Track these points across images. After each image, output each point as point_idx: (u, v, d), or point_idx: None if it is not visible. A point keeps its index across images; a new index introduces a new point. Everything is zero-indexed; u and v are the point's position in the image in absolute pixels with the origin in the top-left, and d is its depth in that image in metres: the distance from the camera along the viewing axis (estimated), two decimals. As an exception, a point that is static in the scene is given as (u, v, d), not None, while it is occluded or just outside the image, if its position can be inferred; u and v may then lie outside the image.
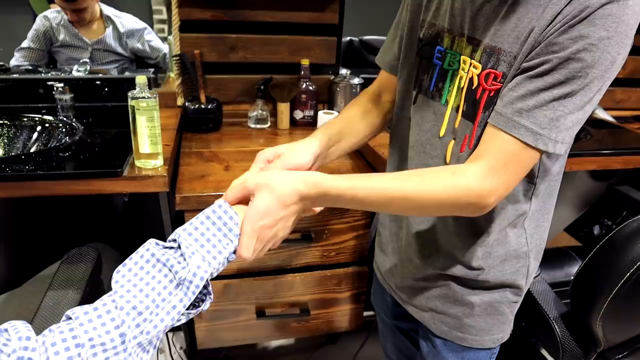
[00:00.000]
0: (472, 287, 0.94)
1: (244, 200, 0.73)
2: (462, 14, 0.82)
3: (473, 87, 0.80)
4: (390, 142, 1.06)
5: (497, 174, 0.73)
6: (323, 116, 1.64)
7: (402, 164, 1.01)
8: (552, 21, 0.69)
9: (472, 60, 0.80)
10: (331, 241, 1.40)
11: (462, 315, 0.96)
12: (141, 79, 1.14)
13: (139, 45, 1.96)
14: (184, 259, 0.64)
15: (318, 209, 0.83)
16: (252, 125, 1.68)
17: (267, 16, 1.67)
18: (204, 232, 0.67)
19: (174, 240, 0.67)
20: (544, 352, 1.15)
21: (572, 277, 1.63)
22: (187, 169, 1.35)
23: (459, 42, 0.83)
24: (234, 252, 0.70)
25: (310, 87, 1.70)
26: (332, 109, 1.76)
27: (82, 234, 1.47)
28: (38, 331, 0.56)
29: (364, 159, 1.47)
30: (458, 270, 0.92)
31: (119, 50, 1.96)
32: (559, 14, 0.68)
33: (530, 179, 0.84)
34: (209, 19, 1.63)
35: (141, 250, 0.65)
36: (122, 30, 1.94)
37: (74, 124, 1.43)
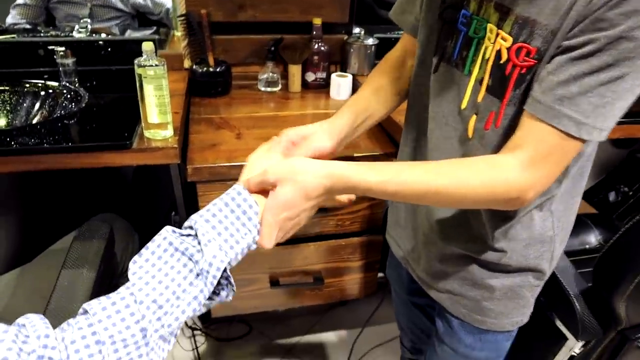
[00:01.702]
0: (493, 270, 0.90)
1: (264, 191, 0.70)
2: None
3: (501, 62, 0.72)
4: (407, 112, 1.00)
5: (537, 166, 0.68)
6: (336, 79, 1.57)
7: (420, 135, 0.95)
8: None
9: (500, 31, 0.72)
10: (345, 210, 1.37)
11: (481, 298, 0.92)
12: (148, 45, 1.08)
13: (140, 0, 1.88)
14: (201, 249, 0.61)
15: (345, 198, 0.80)
16: (263, 89, 1.62)
17: (277, -28, 1.57)
18: (221, 220, 0.64)
19: (191, 228, 0.64)
20: (562, 327, 1.14)
21: (586, 246, 1.63)
22: (197, 137, 1.30)
23: (487, 8, 0.74)
24: (254, 241, 0.67)
25: (323, 48, 1.62)
26: (346, 71, 1.68)
27: (91, 205, 1.45)
28: (54, 316, 0.54)
29: (379, 125, 1.42)
30: (479, 252, 0.88)
31: (119, 5, 1.87)
32: None
33: None
34: (216, -25, 1.53)
35: (158, 238, 0.62)
36: (121, -16, 1.85)
37: (78, 90, 1.37)
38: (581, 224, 1.65)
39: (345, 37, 1.71)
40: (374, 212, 1.40)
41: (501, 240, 0.85)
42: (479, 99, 0.77)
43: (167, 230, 0.62)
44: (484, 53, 0.75)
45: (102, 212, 1.37)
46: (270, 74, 1.60)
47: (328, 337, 1.94)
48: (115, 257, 1.16)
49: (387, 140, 1.34)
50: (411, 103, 0.98)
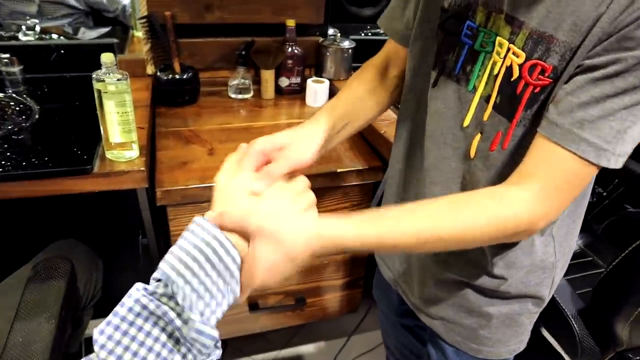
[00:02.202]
0: (490, 296, 0.84)
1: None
2: None
3: (512, 79, 0.66)
4: (398, 126, 0.93)
5: (551, 197, 0.62)
6: (312, 85, 1.48)
7: (413, 152, 0.88)
8: (627, 7, 0.54)
9: (512, 46, 0.65)
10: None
11: (477, 326, 0.87)
12: (107, 57, 0.96)
13: (92, -5, 1.74)
14: (182, 313, 0.51)
15: None
16: (233, 96, 1.51)
17: (246, -31, 1.46)
18: (203, 281, 0.53)
19: (164, 284, 0.52)
20: (558, 348, 1.10)
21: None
22: (166, 154, 1.18)
23: (496, 20, 0.67)
24: (234, 300, 0.58)
25: (297, 51, 1.52)
26: (321, 75, 1.59)
27: (48, 230, 1.31)
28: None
29: (363, 138, 1.33)
30: (477, 278, 0.82)
31: (72, 2, 1.74)
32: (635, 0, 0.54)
33: None
34: (180, -27, 1.41)
35: (127, 301, 0.51)
36: (73, -22, 1.71)
37: (27, 102, 1.23)
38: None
39: (320, 39, 1.61)
40: (357, 228, 1.32)
41: (501, 266, 0.79)
42: (485, 117, 0.71)
43: (139, 290, 0.52)
44: (492, 68, 0.68)
45: (61, 238, 1.23)
46: (241, 80, 1.49)
47: (308, 349, 1.87)
48: (77, 292, 1.04)
49: (371, 152, 1.26)
50: (402, 118, 0.90)
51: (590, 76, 0.58)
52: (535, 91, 0.64)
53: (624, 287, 0.93)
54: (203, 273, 0.53)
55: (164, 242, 1.28)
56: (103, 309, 1.43)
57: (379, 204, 1.35)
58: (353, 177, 1.19)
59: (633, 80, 0.55)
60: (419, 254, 0.89)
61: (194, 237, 0.54)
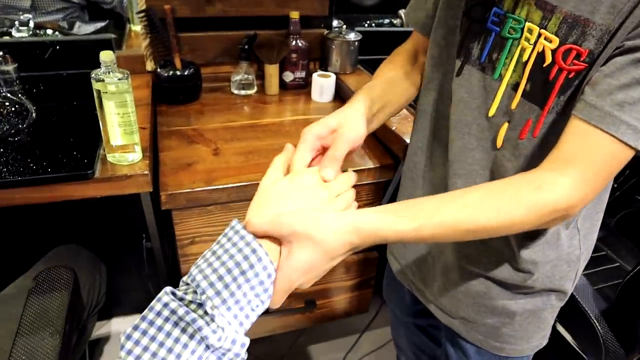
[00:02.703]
0: (515, 292, 0.82)
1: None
2: None
3: (544, 65, 0.64)
4: (417, 119, 0.90)
5: (589, 182, 0.60)
6: (318, 79, 1.42)
7: (435, 145, 0.86)
8: None
9: (544, 31, 0.64)
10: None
11: (500, 324, 0.85)
12: (107, 55, 0.91)
13: (90, -13, 1.69)
14: (210, 322, 0.49)
15: None
16: (236, 92, 1.46)
17: (248, -40, 1.40)
18: (234, 292, 0.51)
19: (193, 290, 0.52)
20: (579, 350, 1.06)
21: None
22: (169, 155, 1.13)
23: (525, 5, 0.66)
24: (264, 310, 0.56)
25: (301, 45, 1.47)
26: (327, 69, 1.54)
27: (49, 235, 1.26)
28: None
29: (374, 135, 1.28)
30: (503, 273, 0.80)
31: (67, -6, 1.68)
32: None
33: None
34: (179, -35, 1.35)
35: (156, 305, 0.49)
36: (68, -30, 1.65)
37: (23, 103, 1.17)
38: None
39: (325, 31, 1.56)
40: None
41: (527, 260, 0.77)
42: (513, 105, 0.69)
43: (167, 293, 0.50)
44: (521, 55, 0.67)
45: (63, 243, 1.19)
46: (245, 75, 1.44)
47: (316, 349, 1.84)
48: (81, 301, 1.00)
49: (382, 150, 1.21)
50: (422, 109, 0.88)
51: (631, 57, 0.56)
52: (570, 76, 0.62)
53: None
54: (235, 286, 0.52)
55: (169, 245, 1.24)
56: (106, 313, 1.39)
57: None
58: (365, 176, 1.15)
59: None
60: (440, 251, 0.88)
61: (229, 243, 0.54)
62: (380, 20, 1.93)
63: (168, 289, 0.51)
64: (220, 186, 1.04)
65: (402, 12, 1.90)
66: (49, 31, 1.51)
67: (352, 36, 1.52)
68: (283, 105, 1.45)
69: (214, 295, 0.51)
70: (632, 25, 0.56)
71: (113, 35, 1.46)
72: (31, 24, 1.49)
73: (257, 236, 0.55)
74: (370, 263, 1.34)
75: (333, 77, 1.43)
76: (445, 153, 0.82)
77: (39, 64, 1.38)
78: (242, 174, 1.08)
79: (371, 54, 1.64)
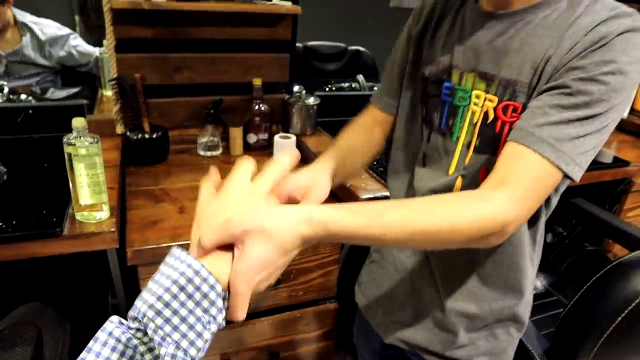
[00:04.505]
0: (479, 328, 0.90)
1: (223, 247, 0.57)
2: (472, 50, 0.79)
3: (489, 121, 0.77)
4: (392, 180, 0.99)
5: (522, 200, 0.67)
6: (280, 141, 1.52)
7: (411, 194, 0.95)
8: (571, 48, 0.68)
9: (487, 95, 0.77)
10: (299, 280, 1.30)
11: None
12: (79, 122, 0.98)
13: (63, 53, 1.77)
14: (154, 347, 0.49)
15: None
16: (203, 153, 1.54)
17: (214, 33, 1.53)
18: (177, 310, 0.50)
19: (138, 320, 0.50)
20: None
21: (534, 291, 1.67)
22: (136, 213, 1.19)
23: (469, 78, 0.80)
24: (220, 326, 0.54)
25: (264, 109, 1.58)
26: (288, 131, 1.65)
27: (13, 293, 1.28)
28: None
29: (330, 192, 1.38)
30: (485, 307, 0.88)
31: (40, 61, 1.76)
32: (577, 43, 0.68)
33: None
34: (150, 37, 1.46)
35: (101, 335, 0.48)
36: (43, 38, 1.74)
37: (-5, 165, 1.23)
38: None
39: (286, 96, 1.68)
40: (327, 280, 1.34)
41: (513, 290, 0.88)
42: (467, 161, 0.81)
43: (113, 322, 0.49)
44: (471, 118, 0.79)
45: (27, 302, 1.21)
46: (210, 138, 1.53)
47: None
48: (44, 358, 1.02)
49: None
50: (395, 171, 0.98)
51: (549, 93, 0.68)
52: (512, 128, 0.73)
53: (583, 323, 0.97)
54: (177, 303, 0.50)
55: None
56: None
57: (346, 257, 1.38)
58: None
59: (583, 98, 0.65)
60: (412, 288, 0.94)
61: (168, 268, 0.52)
62: (341, 84, 2.08)
63: (114, 317, 0.49)
64: (185, 242, 1.10)
65: (359, 77, 2.06)
66: (23, 96, 1.58)
67: (311, 100, 1.64)
68: (247, 164, 1.53)
69: (155, 315, 0.48)
70: (546, 77, 0.70)
71: (85, 101, 1.54)
72: (5, 90, 1.56)
73: (209, 249, 0.55)
74: (330, 314, 1.39)
75: (293, 138, 1.53)
76: None
77: (11, 127, 1.44)
78: (205, 229, 1.14)
79: (331, 116, 1.76)
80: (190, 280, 0.50)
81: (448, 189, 0.84)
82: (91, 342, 0.47)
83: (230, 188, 0.63)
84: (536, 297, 1.65)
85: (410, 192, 0.94)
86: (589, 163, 0.69)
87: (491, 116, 0.76)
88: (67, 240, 1.00)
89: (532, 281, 0.90)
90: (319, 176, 0.79)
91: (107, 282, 1.19)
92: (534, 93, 0.71)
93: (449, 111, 0.83)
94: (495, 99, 0.76)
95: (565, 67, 0.67)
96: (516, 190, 0.67)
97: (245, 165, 0.67)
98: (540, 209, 0.81)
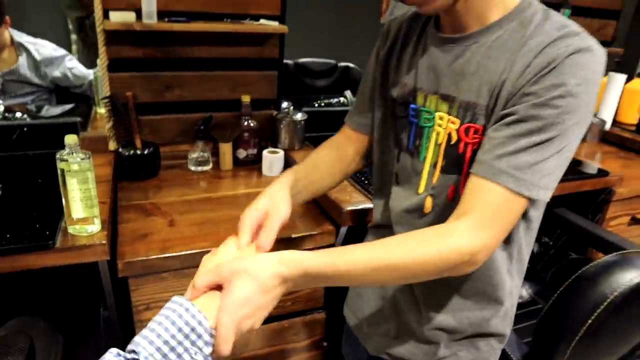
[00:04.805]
0: (459, 339, 0.93)
1: (215, 289, 0.66)
2: (434, 72, 0.82)
3: (452, 142, 0.80)
4: (375, 197, 1.04)
5: (485, 228, 0.71)
6: (268, 156, 1.57)
7: (387, 215, 0.99)
8: (522, 73, 0.70)
9: (450, 117, 0.80)
10: (287, 291, 1.34)
11: None
12: (71, 138, 1.02)
13: (58, 74, 1.82)
14: None
15: None
16: (193, 168, 1.59)
17: (203, 52, 1.58)
18: (167, 340, 0.58)
19: (134, 351, 0.58)
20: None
21: (520, 300, 1.70)
22: (127, 227, 1.23)
23: (432, 100, 0.83)
24: (210, 354, 0.62)
25: (252, 125, 1.63)
26: (277, 146, 1.70)
27: (7, 306, 1.31)
28: None
29: (315, 203, 1.42)
30: (462, 322, 0.91)
31: (36, 80, 1.81)
32: (528, 66, 0.70)
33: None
34: (141, 57, 1.51)
35: None
36: (38, 58, 1.79)
37: (-10, 182, 1.27)
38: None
39: (274, 112, 1.73)
40: (315, 290, 1.37)
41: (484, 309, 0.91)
42: (434, 180, 0.84)
43: (111, 353, 0.56)
44: (436, 139, 0.82)
45: (21, 314, 1.24)
46: (201, 153, 1.58)
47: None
48: (36, 369, 1.05)
49: (323, 217, 1.34)
50: (377, 186, 1.02)
51: (504, 122, 0.72)
52: (475, 148, 0.77)
53: (557, 328, 1.01)
54: (168, 334, 0.58)
55: (126, 313, 1.30)
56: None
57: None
58: (307, 242, 1.26)
59: (536, 123, 0.68)
60: (395, 303, 0.97)
61: (164, 309, 0.61)
62: (330, 100, 2.13)
63: (113, 350, 0.57)
64: (174, 254, 1.14)
65: (347, 92, 2.12)
66: (18, 114, 1.62)
67: (298, 116, 1.70)
68: (236, 179, 1.58)
69: (147, 344, 0.57)
70: (502, 103, 0.73)
71: (78, 119, 1.59)
72: (1, 108, 1.60)
73: (200, 291, 0.65)
74: (318, 324, 1.42)
75: (281, 153, 1.58)
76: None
77: (7, 145, 1.48)
78: (194, 242, 1.18)
79: (319, 131, 1.81)
80: (180, 316, 0.59)
81: (419, 208, 0.87)
82: None
83: (221, 248, 0.78)
84: (522, 305, 1.68)
85: (387, 211, 0.97)
86: (557, 181, 0.72)
87: (454, 138, 0.79)
88: (59, 252, 1.04)
89: (512, 292, 0.92)
90: (276, 198, 0.87)
91: (99, 295, 1.22)
92: (492, 115, 0.74)
93: (415, 132, 0.87)
94: (457, 121, 0.79)
95: (519, 93, 0.70)
96: (478, 220, 0.71)
97: (233, 238, 0.81)
98: (516, 226, 0.83)
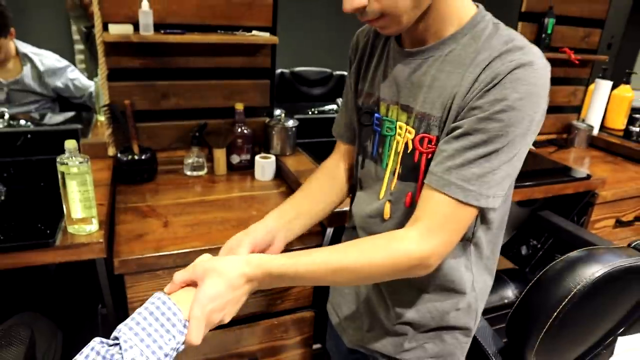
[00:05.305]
0: (424, 332, 0.97)
1: (190, 285, 0.74)
2: (394, 84, 0.87)
3: (408, 151, 0.85)
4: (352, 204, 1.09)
5: (435, 234, 0.76)
6: (260, 161, 1.64)
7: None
8: (470, 87, 0.75)
9: (407, 126, 0.85)
10: (276, 289, 1.40)
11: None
12: (71, 143, 1.10)
13: (60, 84, 1.88)
14: (122, 352, 0.63)
15: None
16: (189, 173, 1.66)
17: (198, 62, 1.66)
18: (145, 327, 0.66)
19: (116, 338, 0.66)
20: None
21: (505, 301, 1.76)
22: (124, 227, 1.30)
23: (393, 110, 0.88)
24: (180, 344, 0.69)
25: (246, 131, 1.70)
26: (269, 152, 1.76)
27: (8, 303, 1.37)
28: None
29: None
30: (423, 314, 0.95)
31: (39, 90, 1.87)
32: (475, 80, 0.74)
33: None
34: (139, 67, 1.59)
35: (85, 350, 0.63)
36: (41, 68, 1.85)
37: (-5, 185, 1.34)
38: (499, 280, 1.77)
39: (267, 119, 1.80)
40: (303, 289, 1.43)
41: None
42: (392, 187, 0.89)
43: (96, 341, 0.64)
44: (396, 147, 0.87)
45: (21, 311, 1.30)
46: (196, 159, 1.65)
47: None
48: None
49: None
50: (353, 191, 1.08)
51: (453, 135, 0.77)
52: (429, 157, 0.82)
53: (526, 321, 1.07)
54: (146, 322, 0.66)
55: (123, 310, 1.36)
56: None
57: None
58: (295, 242, 1.32)
59: (482, 136, 0.73)
60: (367, 298, 1.03)
61: (146, 302, 0.70)
62: (324, 107, 2.20)
63: (97, 338, 0.64)
64: (167, 253, 1.20)
65: (339, 100, 2.18)
66: (22, 122, 1.69)
67: (290, 123, 1.77)
68: (230, 183, 1.64)
69: (127, 330, 0.64)
70: (453, 116, 0.77)
71: (79, 126, 1.66)
72: (6, 116, 1.67)
73: (177, 286, 0.73)
74: (306, 322, 1.48)
75: (273, 158, 1.65)
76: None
77: (11, 150, 1.55)
78: (187, 242, 1.25)
79: (311, 137, 1.89)
80: (158, 307, 0.68)
81: (379, 213, 0.93)
82: (77, 355, 0.62)
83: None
84: (508, 305, 1.73)
85: (351, 215, 1.03)
86: (506, 188, 0.77)
87: (410, 147, 0.85)
88: (59, 250, 1.11)
89: (475, 287, 0.95)
90: (251, 228, 0.95)
91: (97, 294, 1.29)
92: (444, 127, 0.79)
93: (378, 140, 0.92)
94: (414, 131, 0.84)
95: (467, 107, 0.75)
96: (427, 226, 0.77)
97: None
98: (472, 227, 0.88)
